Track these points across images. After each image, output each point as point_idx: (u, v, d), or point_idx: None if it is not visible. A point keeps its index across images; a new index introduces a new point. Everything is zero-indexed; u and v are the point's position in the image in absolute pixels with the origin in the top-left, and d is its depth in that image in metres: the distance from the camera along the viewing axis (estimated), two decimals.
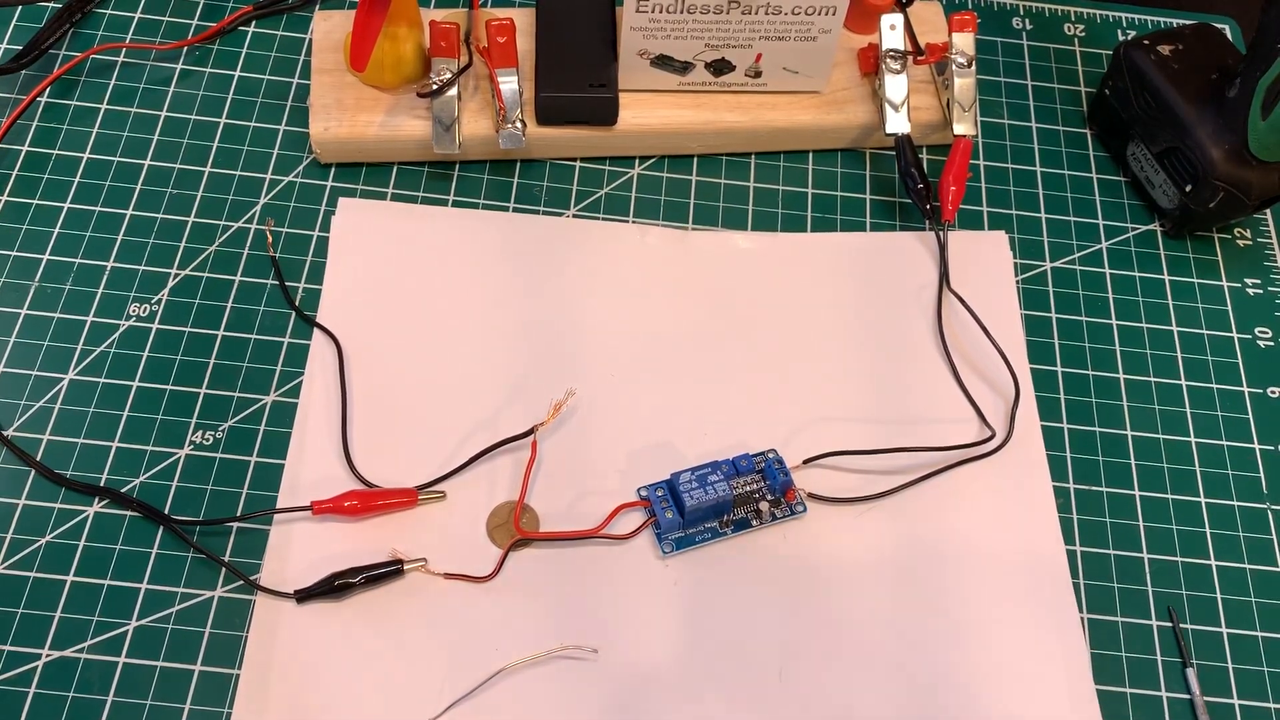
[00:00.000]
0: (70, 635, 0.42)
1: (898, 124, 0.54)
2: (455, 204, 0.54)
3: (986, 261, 0.54)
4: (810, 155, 0.57)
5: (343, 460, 0.46)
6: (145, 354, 0.48)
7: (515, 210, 0.54)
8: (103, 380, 0.48)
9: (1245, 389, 0.52)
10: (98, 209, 0.52)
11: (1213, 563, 0.48)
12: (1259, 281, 0.55)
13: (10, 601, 0.43)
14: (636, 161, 0.56)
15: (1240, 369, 0.53)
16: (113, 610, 0.43)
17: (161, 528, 0.45)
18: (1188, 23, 0.57)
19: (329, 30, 0.55)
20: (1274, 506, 0.49)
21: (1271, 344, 0.54)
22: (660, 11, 0.51)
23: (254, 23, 0.58)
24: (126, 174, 0.53)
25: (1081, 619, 0.46)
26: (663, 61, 0.53)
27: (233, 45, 0.57)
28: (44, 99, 0.55)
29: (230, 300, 0.50)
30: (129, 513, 0.45)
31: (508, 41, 0.52)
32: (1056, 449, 0.50)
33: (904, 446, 0.48)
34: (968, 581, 0.46)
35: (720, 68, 0.54)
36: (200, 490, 0.46)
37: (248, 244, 0.52)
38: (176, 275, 0.50)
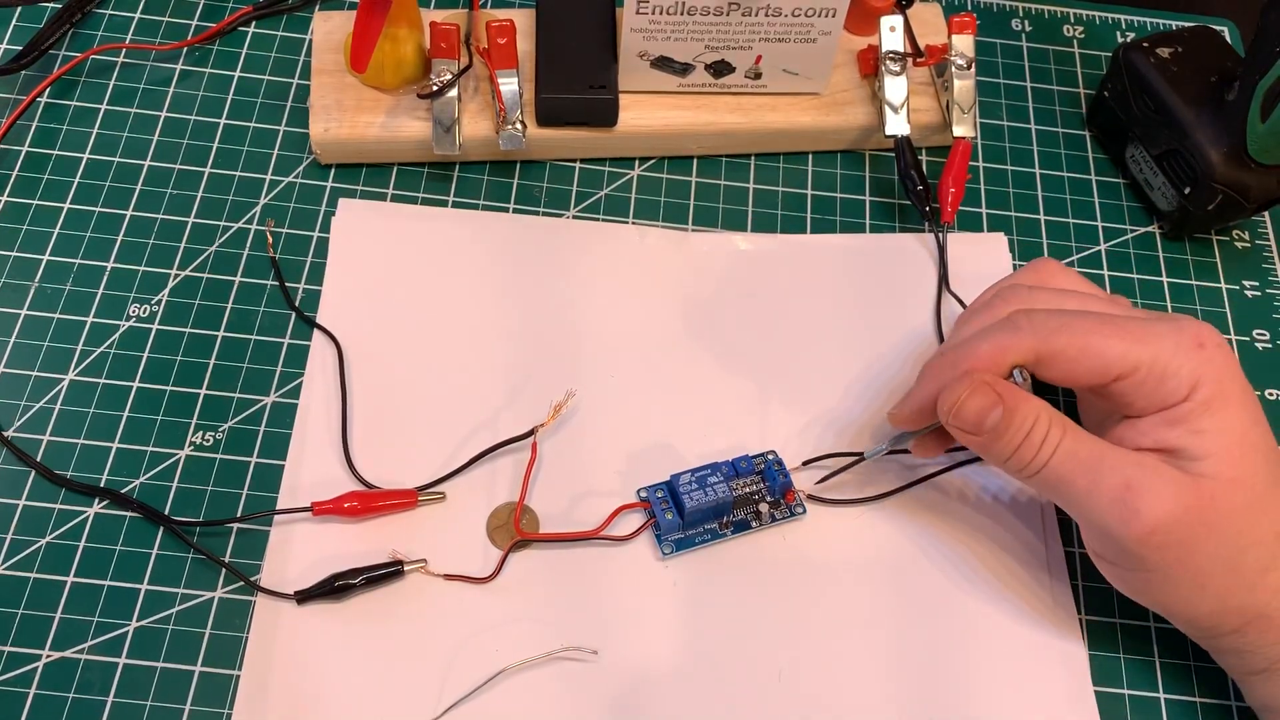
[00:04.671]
0: (70, 636, 0.42)
1: (897, 126, 0.54)
2: (455, 205, 0.54)
3: (986, 263, 0.54)
4: (810, 157, 0.57)
5: (343, 461, 0.46)
6: (145, 355, 0.48)
7: (515, 211, 0.54)
8: (103, 381, 0.48)
9: None
10: (98, 209, 0.52)
11: None
12: (1257, 284, 0.56)
13: (10, 602, 0.43)
14: (636, 163, 0.56)
15: None
16: (113, 611, 0.43)
17: (161, 528, 0.45)
18: (1187, 25, 0.57)
19: (329, 31, 0.55)
20: None
21: (1270, 346, 0.54)
22: (660, 13, 0.51)
23: (254, 23, 0.58)
24: (126, 174, 0.53)
25: (1081, 619, 0.46)
26: (663, 63, 0.53)
27: (233, 46, 0.57)
28: (44, 99, 0.55)
29: (230, 301, 0.50)
30: (129, 513, 0.45)
31: (508, 43, 0.52)
32: None
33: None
34: (966, 583, 0.46)
35: (720, 69, 0.54)
36: (200, 491, 0.46)
37: (248, 245, 0.52)
38: (176, 276, 0.50)
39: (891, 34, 0.55)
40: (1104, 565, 0.42)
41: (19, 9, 0.57)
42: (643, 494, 0.46)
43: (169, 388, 0.48)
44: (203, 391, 0.48)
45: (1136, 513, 0.38)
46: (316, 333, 0.49)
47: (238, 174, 0.53)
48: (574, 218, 0.54)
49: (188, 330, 0.49)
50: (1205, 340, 0.40)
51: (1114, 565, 0.41)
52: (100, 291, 0.50)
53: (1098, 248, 0.56)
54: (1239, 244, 0.57)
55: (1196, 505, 0.38)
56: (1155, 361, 0.39)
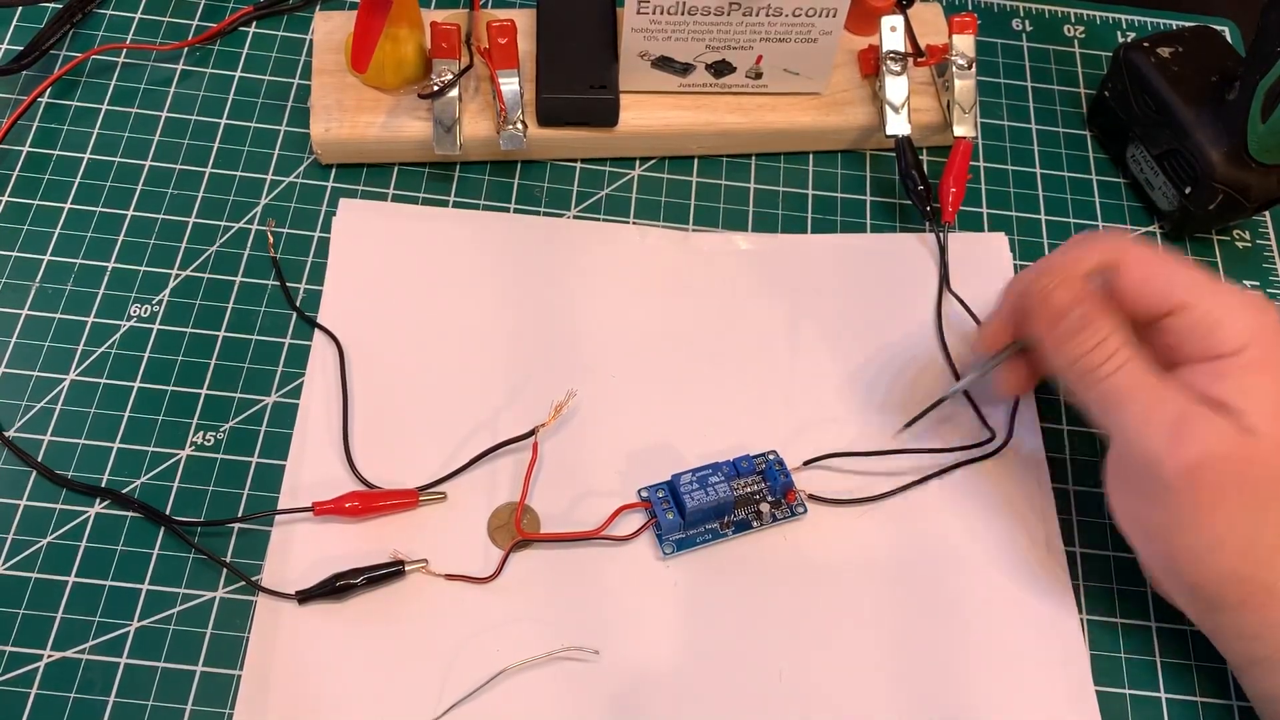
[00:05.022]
0: (71, 636, 0.42)
1: (898, 125, 0.54)
2: (456, 205, 0.54)
3: (987, 263, 0.54)
4: (810, 157, 0.57)
5: (344, 461, 0.46)
6: (146, 355, 0.48)
7: (516, 211, 0.54)
8: (104, 381, 0.48)
9: None
10: (98, 210, 0.52)
11: None
12: (1258, 284, 0.56)
13: (11, 602, 0.43)
14: (637, 163, 0.56)
15: None
16: (114, 611, 0.43)
17: (163, 528, 0.45)
18: (1187, 25, 0.57)
19: (330, 31, 0.55)
20: None
21: None
22: (661, 13, 0.51)
23: (255, 23, 0.58)
24: (127, 175, 0.53)
25: (1081, 619, 0.46)
26: (663, 63, 0.53)
27: (233, 46, 0.57)
28: (45, 99, 0.55)
29: (231, 301, 0.50)
30: (130, 513, 0.45)
31: (509, 43, 0.52)
32: (1056, 450, 0.50)
33: (904, 448, 0.48)
34: (968, 583, 0.46)
35: (721, 69, 0.54)
36: (201, 491, 0.46)
37: (248, 245, 0.52)
38: (177, 276, 0.50)
39: (892, 34, 0.55)
40: (1122, 499, 0.42)
41: (19, 9, 0.57)
42: (643, 494, 0.46)
43: (170, 388, 0.48)
44: (204, 391, 0.48)
45: (1184, 443, 0.39)
46: (317, 333, 0.49)
47: (238, 174, 0.53)
48: (574, 218, 0.54)
49: (189, 330, 0.49)
50: (1266, 309, 0.41)
51: (1138, 498, 0.41)
52: (101, 291, 0.50)
53: None
54: (1239, 244, 0.57)
55: (1238, 455, 0.39)
56: (1214, 307, 0.41)
